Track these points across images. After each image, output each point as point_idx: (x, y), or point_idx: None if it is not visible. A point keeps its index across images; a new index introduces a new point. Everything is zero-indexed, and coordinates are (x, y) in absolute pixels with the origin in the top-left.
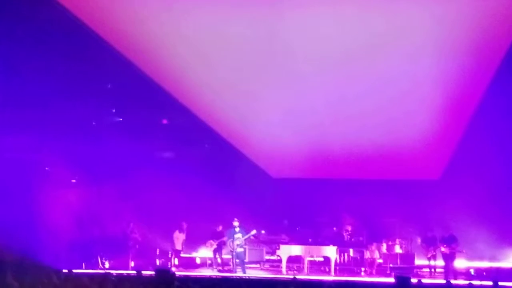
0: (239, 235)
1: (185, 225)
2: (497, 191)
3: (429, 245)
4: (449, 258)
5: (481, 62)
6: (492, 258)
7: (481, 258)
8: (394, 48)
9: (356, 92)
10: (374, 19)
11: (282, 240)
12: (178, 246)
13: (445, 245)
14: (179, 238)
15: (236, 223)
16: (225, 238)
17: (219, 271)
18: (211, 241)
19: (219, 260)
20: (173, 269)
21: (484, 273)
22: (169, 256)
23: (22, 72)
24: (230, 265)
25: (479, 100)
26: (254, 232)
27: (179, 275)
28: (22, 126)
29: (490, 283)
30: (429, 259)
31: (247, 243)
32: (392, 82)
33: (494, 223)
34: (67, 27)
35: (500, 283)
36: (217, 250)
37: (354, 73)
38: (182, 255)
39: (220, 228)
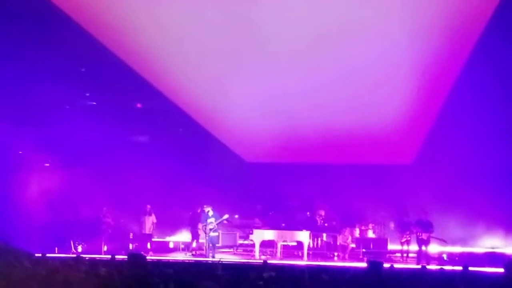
0: (212, 220)
1: (149, 207)
2: (468, 176)
3: (404, 230)
4: (424, 243)
5: (453, 50)
6: (464, 243)
7: (453, 243)
8: (367, 34)
9: (329, 78)
10: (348, 4)
11: (255, 225)
12: (146, 230)
13: (422, 230)
14: (145, 221)
15: (207, 208)
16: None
17: (193, 255)
18: (200, 224)
19: (194, 245)
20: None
21: (457, 258)
22: (131, 239)
23: None
24: (203, 250)
25: (451, 86)
26: (226, 216)
27: (151, 259)
28: None
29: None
30: (402, 244)
31: (220, 227)
32: (365, 68)
33: (465, 208)
34: (39, 11)
35: (471, 268)
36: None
37: (328, 59)
38: (155, 239)
39: (199, 210)
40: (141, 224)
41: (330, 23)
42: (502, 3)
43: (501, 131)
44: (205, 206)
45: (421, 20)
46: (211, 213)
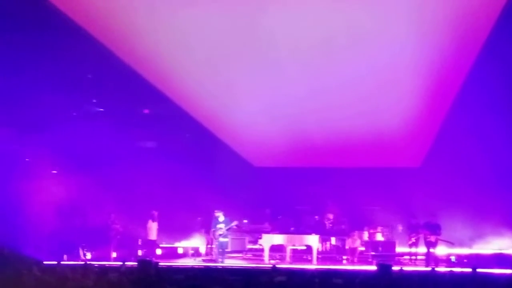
0: (221, 225)
1: (156, 213)
2: (476, 178)
3: (412, 232)
4: (432, 246)
5: (460, 52)
6: (472, 245)
7: (461, 244)
8: (374, 38)
9: (337, 81)
10: (355, 8)
11: (264, 229)
12: (152, 236)
13: (430, 233)
14: (152, 227)
15: (218, 213)
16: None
17: (203, 260)
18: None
19: (204, 250)
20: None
21: (465, 260)
22: (140, 245)
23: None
24: (212, 255)
25: (459, 89)
26: (235, 223)
27: (161, 265)
28: (2, 118)
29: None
30: (410, 246)
31: (229, 232)
32: (372, 71)
33: (473, 209)
34: (45, 18)
35: (479, 270)
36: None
37: (335, 63)
38: (164, 245)
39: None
40: (147, 230)
41: (337, 28)
42: (508, 4)
43: (508, 133)
44: (216, 211)
45: (427, 24)
46: (221, 218)
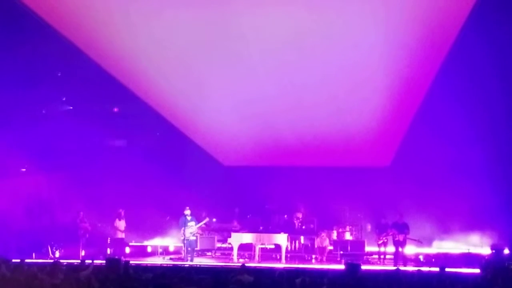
0: (192, 223)
1: (122, 212)
2: (445, 178)
3: (382, 231)
4: (400, 245)
5: (428, 52)
6: (440, 244)
7: (430, 244)
8: (343, 38)
9: (306, 81)
10: (325, 8)
11: (233, 228)
12: (120, 235)
13: (398, 232)
14: (119, 226)
15: (187, 211)
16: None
17: (172, 259)
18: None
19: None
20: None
21: (433, 259)
22: (109, 243)
23: None
24: (181, 254)
25: (427, 89)
26: (207, 220)
27: (130, 263)
28: None
29: (437, 269)
30: (379, 245)
31: (198, 231)
32: (342, 71)
33: (442, 209)
34: (15, 15)
35: (447, 269)
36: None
37: (305, 63)
38: (133, 243)
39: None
40: (115, 229)
41: (307, 28)
42: (476, 6)
43: (475, 132)
44: (186, 208)
45: (396, 24)
46: (189, 217)
